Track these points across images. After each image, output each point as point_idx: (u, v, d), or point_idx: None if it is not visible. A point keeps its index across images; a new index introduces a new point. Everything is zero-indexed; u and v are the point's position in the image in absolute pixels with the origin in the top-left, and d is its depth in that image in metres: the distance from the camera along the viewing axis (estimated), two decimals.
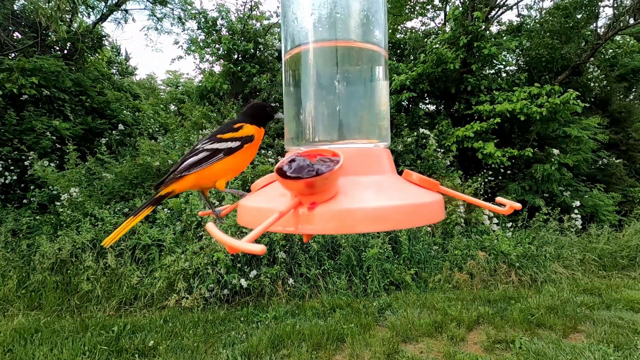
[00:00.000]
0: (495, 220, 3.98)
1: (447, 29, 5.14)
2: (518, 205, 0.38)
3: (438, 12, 7.06)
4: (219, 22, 5.87)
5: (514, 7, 6.21)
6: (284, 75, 0.43)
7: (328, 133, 0.39)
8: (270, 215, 0.30)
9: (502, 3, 5.91)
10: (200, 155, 0.52)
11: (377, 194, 0.35)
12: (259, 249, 0.24)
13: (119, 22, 6.72)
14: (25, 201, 3.83)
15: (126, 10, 6.59)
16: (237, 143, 0.53)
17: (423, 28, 7.14)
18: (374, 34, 0.39)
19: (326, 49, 0.38)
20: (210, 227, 0.28)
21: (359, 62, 0.39)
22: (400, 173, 0.41)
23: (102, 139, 4.62)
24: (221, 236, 0.25)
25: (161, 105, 7.39)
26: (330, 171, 0.29)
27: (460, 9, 5.09)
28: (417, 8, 6.85)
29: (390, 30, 6.45)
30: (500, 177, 4.77)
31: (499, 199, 0.40)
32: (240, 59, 5.78)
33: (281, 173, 0.30)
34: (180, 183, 0.53)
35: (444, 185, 0.40)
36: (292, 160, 0.31)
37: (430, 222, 0.36)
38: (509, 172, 4.79)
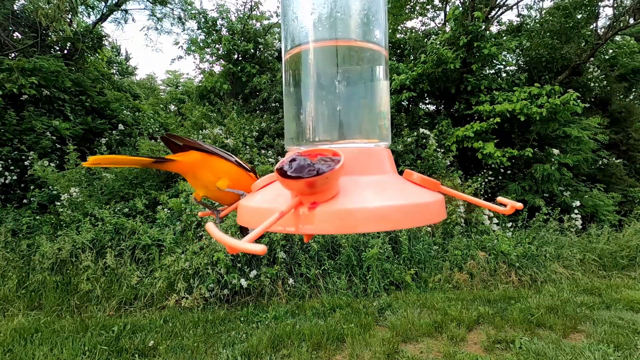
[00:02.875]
0: (495, 220, 3.98)
1: (447, 29, 5.14)
2: (519, 205, 0.37)
3: (438, 12, 7.06)
4: (219, 22, 5.87)
5: (514, 7, 6.21)
6: (283, 75, 0.42)
7: (328, 133, 0.38)
8: (270, 215, 0.29)
9: (502, 3, 5.91)
10: (215, 148, 0.53)
11: (378, 193, 0.34)
12: (260, 248, 0.24)
13: (119, 22, 6.74)
14: (25, 201, 3.83)
15: (126, 10, 6.60)
16: (247, 166, 0.55)
17: (423, 28, 7.14)
18: (375, 34, 0.39)
19: (326, 49, 0.38)
20: (210, 227, 0.27)
21: (359, 61, 0.39)
22: (400, 173, 0.40)
23: (102, 139, 4.62)
24: (221, 236, 0.25)
25: (161, 105, 7.40)
26: (331, 170, 0.29)
27: (460, 9, 5.09)
28: (417, 8, 6.85)
29: (390, 30, 6.44)
30: (500, 177, 4.77)
31: (500, 198, 0.39)
32: (240, 59, 5.78)
33: (282, 173, 0.29)
34: (186, 155, 0.51)
35: (444, 185, 0.40)
36: (293, 160, 0.30)
37: (431, 221, 0.35)
38: (509, 172, 4.79)
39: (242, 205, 0.39)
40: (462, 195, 0.41)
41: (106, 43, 6.50)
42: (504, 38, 5.46)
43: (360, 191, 0.34)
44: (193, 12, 6.22)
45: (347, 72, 0.38)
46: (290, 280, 2.98)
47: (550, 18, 5.69)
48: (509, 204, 0.38)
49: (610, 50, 6.37)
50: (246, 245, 0.24)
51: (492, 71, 5.44)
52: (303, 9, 0.39)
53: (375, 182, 0.36)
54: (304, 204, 0.31)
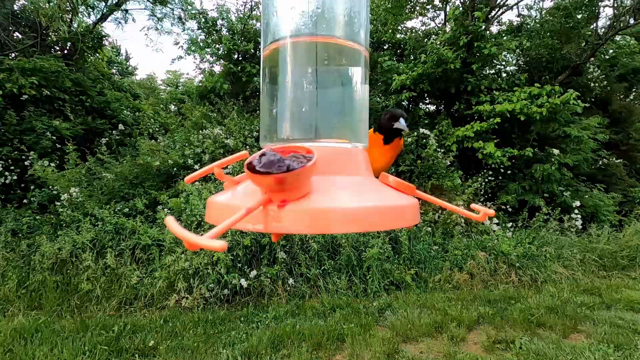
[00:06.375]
0: (495, 220, 3.98)
1: (447, 29, 5.14)
2: (492, 212, 0.37)
3: (438, 12, 7.04)
4: (219, 22, 5.87)
5: (514, 7, 6.20)
6: (261, 71, 0.41)
7: (304, 131, 0.38)
8: (238, 212, 0.28)
9: (502, 3, 5.90)
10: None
11: (352, 194, 0.34)
12: (219, 245, 0.22)
13: (119, 22, 6.72)
14: (25, 201, 3.82)
15: (126, 10, 6.59)
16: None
17: (423, 28, 7.13)
18: (356, 32, 0.38)
19: (305, 45, 0.37)
20: (169, 221, 0.25)
21: (338, 60, 0.38)
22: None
23: (102, 139, 4.62)
24: (180, 231, 0.23)
25: (161, 105, 7.39)
26: (302, 167, 0.27)
27: (461, 9, 5.08)
28: (417, 8, 6.84)
29: (390, 30, 6.43)
30: (500, 177, 4.76)
31: (473, 205, 0.39)
32: (240, 59, 5.78)
33: (250, 167, 0.28)
34: None
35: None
36: (262, 155, 0.29)
37: (405, 225, 0.35)
38: (509, 172, 4.78)
39: (211, 201, 0.37)
40: (436, 200, 0.41)
41: (106, 43, 6.50)
42: (504, 38, 5.45)
43: (334, 191, 0.33)
44: (193, 12, 6.21)
45: (325, 70, 0.38)
46: (290, 280, 2.98)
47: (551, 18, 5.68)
48: (482, 211, 0.38)
49: (611, 50, 6.37)
50: (206, 241, 0.22)
51: (492, 71, 5.43)
52: (283, 3, 0.38)
53: (349, 183, 0.35)
54: (273, 201, 0.30)
